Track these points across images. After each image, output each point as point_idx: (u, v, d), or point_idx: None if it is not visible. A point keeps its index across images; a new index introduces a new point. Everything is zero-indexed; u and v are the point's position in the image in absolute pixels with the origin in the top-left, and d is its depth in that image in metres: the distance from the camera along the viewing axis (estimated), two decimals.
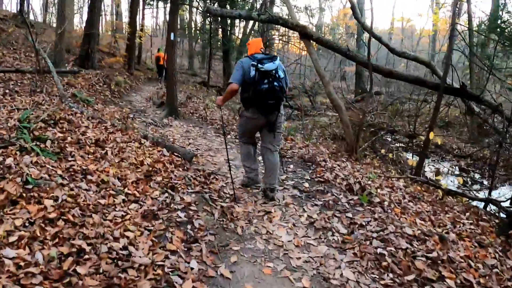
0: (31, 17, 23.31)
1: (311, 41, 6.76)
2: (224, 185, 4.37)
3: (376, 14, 65.08)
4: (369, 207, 4.03)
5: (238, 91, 3.72)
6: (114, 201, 3.31)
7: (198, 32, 25.25)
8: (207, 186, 4.20)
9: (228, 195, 4.13)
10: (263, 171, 4.24)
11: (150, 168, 4.19)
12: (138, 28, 16.49)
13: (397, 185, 5.34)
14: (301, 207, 3.95)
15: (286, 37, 19.63)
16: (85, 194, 3.25)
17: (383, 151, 6.81)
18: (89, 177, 3.58)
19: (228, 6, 14.90)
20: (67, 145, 4.17)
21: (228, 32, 19.13)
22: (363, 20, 8.58)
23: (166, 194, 3.70)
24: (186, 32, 26.69)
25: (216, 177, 4.57)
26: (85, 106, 6.10)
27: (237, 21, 20.73)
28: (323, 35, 23.87)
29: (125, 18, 25.30)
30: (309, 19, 23.09)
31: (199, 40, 26.41)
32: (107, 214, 3.09)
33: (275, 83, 3.60)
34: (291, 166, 5.34)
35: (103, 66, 11.65)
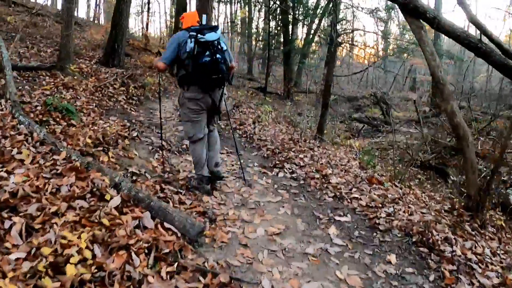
0: (80, 14, 22.70)
1: (422, 22, 4.08)
2: None
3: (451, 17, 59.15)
4: None
5: (165, 70, 3.27)
6: None
7: (257, 32, 23.17)
8: None
9: None
10: None
11: (88, 276, 1.84)
12: None
13: None
14: None
15: (352, 33, 16.86)
16: None
17: None
18: None
19: None
20: None
21: (290, 32, 16.65)
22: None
23: None
24: (246, 33, 24.83)
25: None
26: (59, 119, 3.94)
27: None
28: (392, 40, 20.53)
29: None
30: (376, 25, 19.92)
31: (259, 42, 24.41)
32: None
33: (218, 55, 3.09)
34: (393, 257, 2.71)
35: (137, 65, 9.74)
